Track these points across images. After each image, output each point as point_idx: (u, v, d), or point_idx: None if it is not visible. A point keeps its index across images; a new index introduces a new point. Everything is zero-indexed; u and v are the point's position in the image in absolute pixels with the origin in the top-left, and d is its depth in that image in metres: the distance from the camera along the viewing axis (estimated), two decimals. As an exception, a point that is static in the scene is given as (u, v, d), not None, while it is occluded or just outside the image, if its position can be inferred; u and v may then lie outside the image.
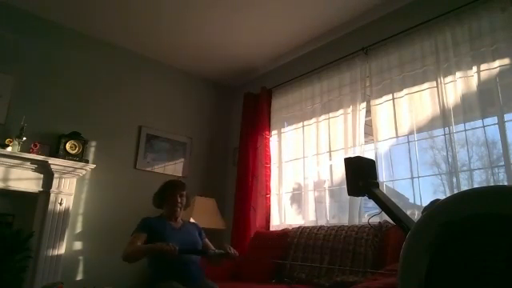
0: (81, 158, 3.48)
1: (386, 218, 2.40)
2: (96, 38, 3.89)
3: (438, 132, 2.66)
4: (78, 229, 3.50)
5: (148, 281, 2.33)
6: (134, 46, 4.04)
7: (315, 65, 3.62)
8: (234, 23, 3.58)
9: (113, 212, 3.67)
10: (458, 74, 2.58)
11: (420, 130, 2.77)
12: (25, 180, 3.21)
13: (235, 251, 2.36)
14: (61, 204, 3.30)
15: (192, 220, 3.44)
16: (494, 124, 2.38)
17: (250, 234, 3.57)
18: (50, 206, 3.25)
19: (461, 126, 2.51)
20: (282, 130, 3.93)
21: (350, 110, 3.24)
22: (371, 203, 1.78)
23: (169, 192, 2.54)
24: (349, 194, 1.66)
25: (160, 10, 3.42)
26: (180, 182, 2.63)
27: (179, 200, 2.53)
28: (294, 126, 3.82)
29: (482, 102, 2.45)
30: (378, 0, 3.15)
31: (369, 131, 3.18)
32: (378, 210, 1.63)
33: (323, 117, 3.48)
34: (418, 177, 2.69)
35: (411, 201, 2.74)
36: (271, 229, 3.61)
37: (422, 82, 2.80)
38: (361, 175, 1.61)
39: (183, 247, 2.19)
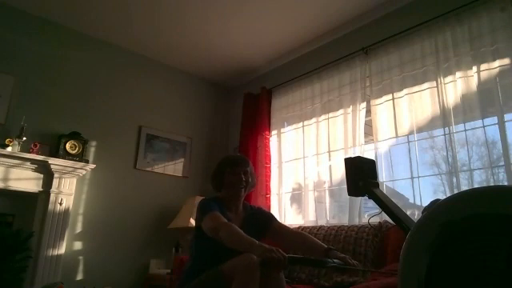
0: (81, 157, 3.48)
1: (386, 218, 2.40)
2: (96, 37, 3.89)
3: (438, 132, 2.66)
4: (78, 229, 3.50)
5: (194, 269, 1.88)
6: (134, 46, 4.04)
7: (315, 65, 3.63)
8: (234, 23, 3.58)
9: (113, 212, 3.67)
10: (458, 74, 2.58)
11: (420, 130, 2.77)
12: (25, 180, 3.21)
13: (356, 262, 1.75)
14: (61, 204, 3.30)
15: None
16: (494, 124, 2.38)
17: (249, 233, 3.57)
18: (50, 206, 3.25)
19: (461, 126, 2.51)
20: (282, 130, 3.93)
21: (350, 110, 3.24)
22: (371, 203, 1.77)
23: (229, 169, 2.04)
24: (349, 194, 1.66)
25: (160, 10, 3.42)
26: (241, 157, 2.16)
27: (244, 178, 2.02)
28: (294, 125, 3.82)
29: (482, 102, 2.45)
30: (378, 0, 3.15)
31: (369, 131, 3.18)
32: (377, 209, 1.63)
33: (323, 117, 3.48)
34: (418, 177, 2.69)
35: (411, 201, 2.74)
36: (271, 229, 3.61)
37: (422, 82, 2.80)
38: (361, 175, 1.60)
39: (294, 256, 1.64)
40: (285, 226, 2.16)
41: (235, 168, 2.03)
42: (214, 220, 1.79)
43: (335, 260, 1.68)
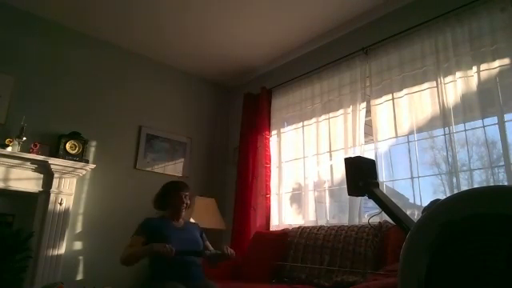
0: (81, 157, 3.48)
1: (386, 218, 2.40)
2: (96, 37, 3.89)
3: (438, 132, 2.66)
4: (78, 229, 3.50)
5: (148, 281, 2.33)
6: (134, 46, 4.04)
7: (315, 65, 3.63)
8: (234, 23, 3.58)
9: (113, 212, 3.67)
10: (458, 74, 2.58)
11: (420, 130, 2.77)
12: (25, 180, 3.21)
13: (232, 251, 2.36)
14: (61, 204, 3.30)
15: (192, 220, 3.44)
16: (494, 124, 2.38)
17: (250, 234, 3.57)
18: (50, 206, 3.25)
19: (461, 126, 2.51)
20: (282, 130, 3.93)
21: (350, 109, 3.24)
22: (371, 203, 1.78)
23: (173, 193, 2.54)
24: (349, 194, 1.66)
25: (160, 10, 3.42)
26: (183, 183, 2.64)
27: (185, 200, 2.53)
28: (294, 125, 3.82)
29: (482, 102, 2.45)
30: (377, 0, 3.15)
31: (369, 131, 3.18)
32: (377, 209, 1.63)
33: (323, 117, 3.48)
34: (418, 177, 2.69)
35: (411, 201, 2.74)
36: (271, 229, 3.61)
37: (422, 82, 2.80)
38: (361, 175, 1.60)
39: (180, 248, 2.20)
40: (209, 244, 2.61)
41: (179, 191, 2.53)
42: (126, 248, 2.30)
43: (213, 251, 2.39)
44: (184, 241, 2.32)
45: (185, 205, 2.53)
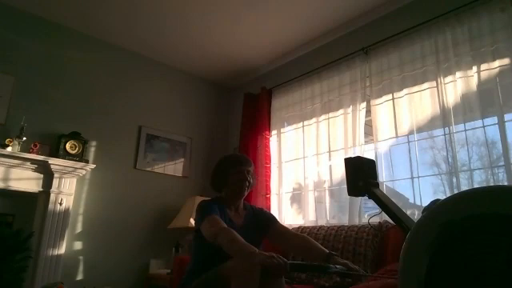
0: (81, 157, 3.48)
1: (386, 218, 2.40)
2: (96, 37, 3.89)
3: (438, 132, 2.66)
4: (78, 229, 3.50)
5: (194, 270, 1.89)
6: (134, 46, 4.04)
7: (315, 65, 3.62)
8: (234, 23, 3.58)
9: (113, 212, 3.68)
10: (458, 74, 2.58)
11: (420, 129, 2.77)
12: (25, 180, 3.20)
13: (357, 267, 1.69)
14: (61, 204, 3.30)
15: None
16: (494, 124, 2.38)
17: (250, 233, 3.57)
18: (50, 206, 3.25)
19: (461, 126, 2.51)
20: (282, 130, 3.93)
21: (350, 109, 3.24)
22: (371, 203, 1.77)
23: (234, 169, 1.99)
24: (349, 194, 1.66)
25: (160, 11, 3.41)
26: (245, 157, 2.11)
27: (248, 177, 1.98)
28: (294, 125, 3.82)
29: (482, 102, 2.45)
30: (377, 0, 3.15)
31: (369, 131, 3.18)
32: (377, 209, 1.63)
33: (323, 117, 3.48)
34: (418, 177, 2.69)
35: (411, 201, 2.74)
36: (271, 229, 3.61)
37: (422, 82, 2.80)
38: (361, 175, 1.60)
39: (295, 262, 1.64)
40: (286, 228, 2.13)
41: (240, 167, 1.99)
42: (212, 224, 1.75)
43: (337, 266, 1.62)
44: None
45: (247, 183, 1.98)
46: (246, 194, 2.02)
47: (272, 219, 2.09)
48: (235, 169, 1.99)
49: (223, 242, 1.65)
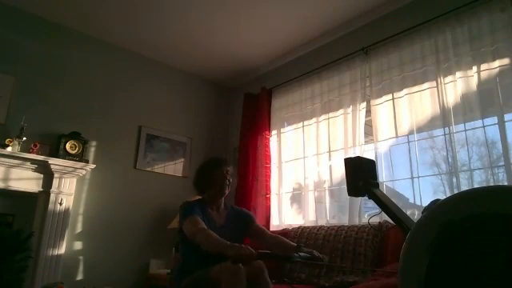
0: (81, 157, 3.47)
1: (386, 218, 2.40)
2: (96, 37, 3.89)
3: (438, 132, 2.66)
4: (78, 229, 3.50)
5: (183, 269, 2.04)
6: (134, 46, 4.04)
7: (315, 65, 3.62)
8: (234, 23, 3.58)
9: (113, 212, 3.67)
10: (458, 74, 2.58)
11: (420, 129, 2.77)
12: (25, 180, 3.20)
13: (323, 255, 1.94)
14: (61, 204, 3.30)
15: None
16: (494, 124, 2.38)
17: (250, 234, 3.57)
18: (50, 206, 3.25)
19: (461, 126, 2.51)
20: (282, 129, 3.93)
21: (350, 109, 3.24)
22: (371, 203, 1.77)
23: (218, 169, 2.15)
24: (349, 194, 1.66)
25: (160, 11, 3.41)
26: (225, 157, 2.32)
27: (228, 177, 2.14)
28: (294, 125, 3.82)
29: (482, 102, 2.45)
30: (377, 0, 3.15)
31: (369, 131, 3.18)
32: (377, 209, 1.63)
33: (323, 117, 3.48)
34: (418, 177, 2.69)
35: (411, 201, 2.74)
36: (271, 229, 3.60)
37: (422, 82, 2.80)
38: (361, 175, 1.60)
39: (262, 251, 1.77)
40: (263, 229, 2.27)
41: (223, 168, 2.16)
42: (192, 224, 1.92)
43: (301, 254, 1.84)
44: None
45: (228, 182, 2.14)
46: (227, 192, 2.19)
47: (251, 218, 2.27)
48: (219, 169, 2.16)
49: (201, 240, 1.84)
